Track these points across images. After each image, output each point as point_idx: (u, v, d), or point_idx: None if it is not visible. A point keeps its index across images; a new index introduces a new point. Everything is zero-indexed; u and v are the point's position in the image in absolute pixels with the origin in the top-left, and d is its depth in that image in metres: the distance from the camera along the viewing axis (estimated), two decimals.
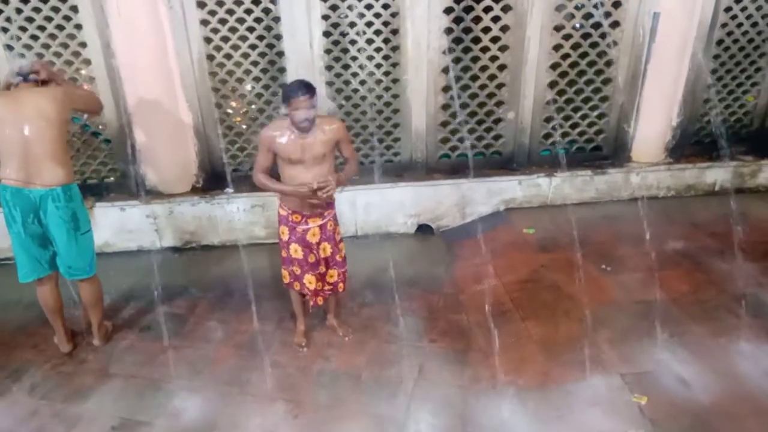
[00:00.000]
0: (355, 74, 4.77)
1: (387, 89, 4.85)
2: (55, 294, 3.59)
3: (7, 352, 3.74)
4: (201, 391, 3.33)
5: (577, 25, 4.82)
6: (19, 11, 4.33)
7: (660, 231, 4.63)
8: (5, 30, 4.39)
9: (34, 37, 4.45)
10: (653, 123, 5.17)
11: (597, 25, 4.79)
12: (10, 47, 4.43)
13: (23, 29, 4.40)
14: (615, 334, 3.56)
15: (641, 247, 4.27)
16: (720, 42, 5.03)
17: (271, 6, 4.48)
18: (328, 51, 4.65)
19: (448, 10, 4.59)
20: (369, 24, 4.60)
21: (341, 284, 3.65)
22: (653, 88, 4.99)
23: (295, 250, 3.41)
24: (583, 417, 2.99)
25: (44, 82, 3.37)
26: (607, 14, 4.76)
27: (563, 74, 4.95)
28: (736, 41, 5.06)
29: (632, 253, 4.40)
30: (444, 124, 5.02)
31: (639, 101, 5.06)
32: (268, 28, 4.57)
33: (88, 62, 4.52)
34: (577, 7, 4.73)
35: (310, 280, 3.47)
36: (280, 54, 4.64)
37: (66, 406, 3.27)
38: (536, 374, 3.30)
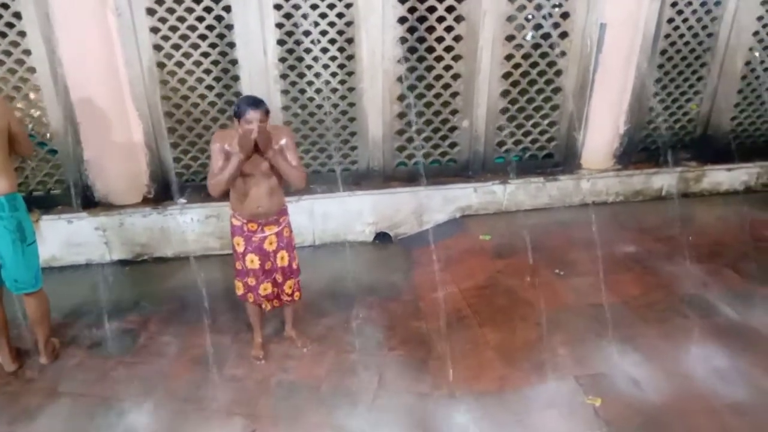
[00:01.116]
0: (310, 83, 4.75)
1: (343, 98, 4.85)
2: None
3: None
4: (155, 409, 3.23)
5: (528, 36, 4.94)
6: None
7: (610, 236, 4.77)
8: None
9: None
10: (601, 131, 5.33)
11: (546, 36, 4.91)
12: None
13: None
14: (569, 338, 3.64)
15: (593, 252, 4.39)
16: (664, 52, 5.23)
17: (223, 14, 4.42)
18: (282, 59, 4.62)
19: (402, 20, 4.63)
20: (324, 33, 4.59)
21: (297, 293, 3.62)
22: (601, 97, 5.15)
23: (251, 261, 3.36)
24: (541, 420, 3.05)
25: None
26: (556, 25, 4.89)
27: (515, 83, 5.06)
28: (678, 51, 5.27)
29: (584, 257, 4.52)
30: (400, 132, 5.05)
31: (587, 110, 5.22)
32: (221, 36, 4.51)
33: (32, 70, 4.36)
34: (527, 18, 4.84)
35: (265, 287, 3.43)
36: (234, 62, 4.58)
37: (13, 428, 3.12)
38: (494, 379, 3.35)
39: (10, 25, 4.22)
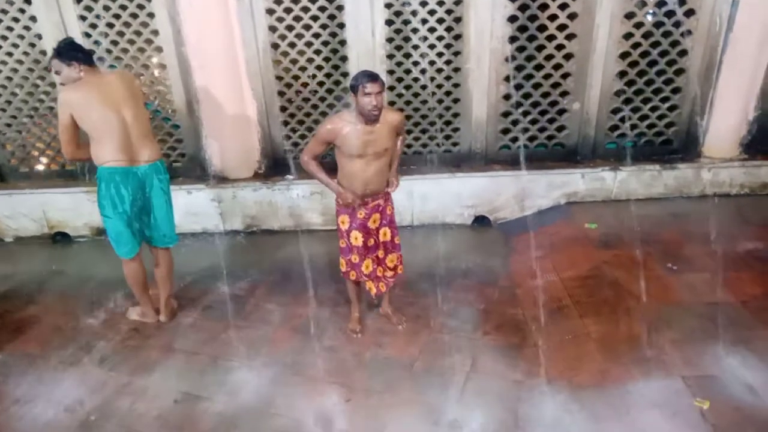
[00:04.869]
0: (416, 63, 4.75)
1: (448, 78, 4.81)
2: (143, 267, 3.81)
3: (80, 325, 3.97)
4: (259, 371, 3.43)
5: (650, 14, 4.63)
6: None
7: (731, 230, 4.41)
8: (83, 18, 4.62)
9: (110, 25, 4.65)
10: (728, 116, 4.91)
11: (670, 14, 4.58)
12: (87, 35, 4.66)
13: (99, 17, 4.61)
14: (679, 336, 3.42)
15: (711, 247, 4.09)
16: None
17: None
18: (389, 39, 4.65)
19: None
20: (432, 12, 4.56)
21: (400, 266, 3.71)
22: (729, 80, 4.74)
23: (356, 238, 3.44)
24: (641, 418, 2.90)
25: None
26: (682, 2, 4.55)
27: (633, 64, 4.77)
28: None
29: (701, 252, 4.21)
30: (505, 114, 4.94)
31: (713, 93, 4.82)
32: (332, 17, 4.61)
33: (159, 50, 4.70)
34: None
35: (367, 265, 3.51)
36: (343, 42, 4.67)
37: (133, 378, 3.44)
38: (593, 372, 3.23)
39: (141, 7, 4.56)
